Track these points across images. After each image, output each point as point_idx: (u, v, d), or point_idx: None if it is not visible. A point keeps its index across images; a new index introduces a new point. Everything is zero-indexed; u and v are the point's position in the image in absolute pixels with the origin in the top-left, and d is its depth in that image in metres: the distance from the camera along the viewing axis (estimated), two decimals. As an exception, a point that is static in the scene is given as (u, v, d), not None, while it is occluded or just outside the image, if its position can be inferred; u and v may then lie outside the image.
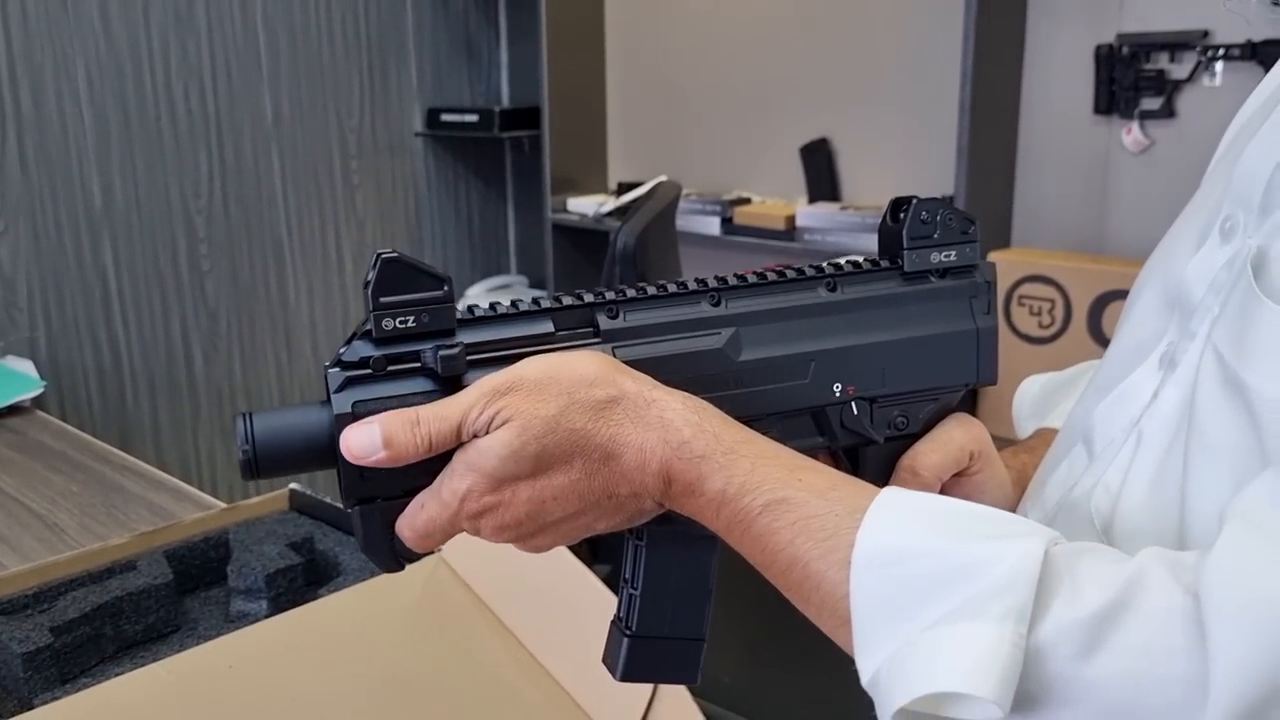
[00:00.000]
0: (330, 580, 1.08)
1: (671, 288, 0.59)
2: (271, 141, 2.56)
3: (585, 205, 2.70)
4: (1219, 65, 1.95)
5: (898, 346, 0.62)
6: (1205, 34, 1.96)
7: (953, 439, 0.63)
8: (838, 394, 0.61)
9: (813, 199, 2.42)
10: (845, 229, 2.24)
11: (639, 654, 0.60)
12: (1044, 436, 0.73)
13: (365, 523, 0.55)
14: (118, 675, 0.87)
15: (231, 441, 2.68)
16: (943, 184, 2.16)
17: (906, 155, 2.30)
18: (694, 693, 0.84)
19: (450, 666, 0.97)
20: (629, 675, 0.60)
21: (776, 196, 2.51)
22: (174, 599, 1.04)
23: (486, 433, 0.51)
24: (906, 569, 0.44)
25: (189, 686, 0.87)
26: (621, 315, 0.57)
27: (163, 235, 2.39)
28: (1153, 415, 0.55)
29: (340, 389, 0.53)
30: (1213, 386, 0.51)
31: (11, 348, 2.16)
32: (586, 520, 0.53)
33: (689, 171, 2.68)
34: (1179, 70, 2.01)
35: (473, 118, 2.77)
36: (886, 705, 0.43)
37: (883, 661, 0.43)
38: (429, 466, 0.53)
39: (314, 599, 1.00)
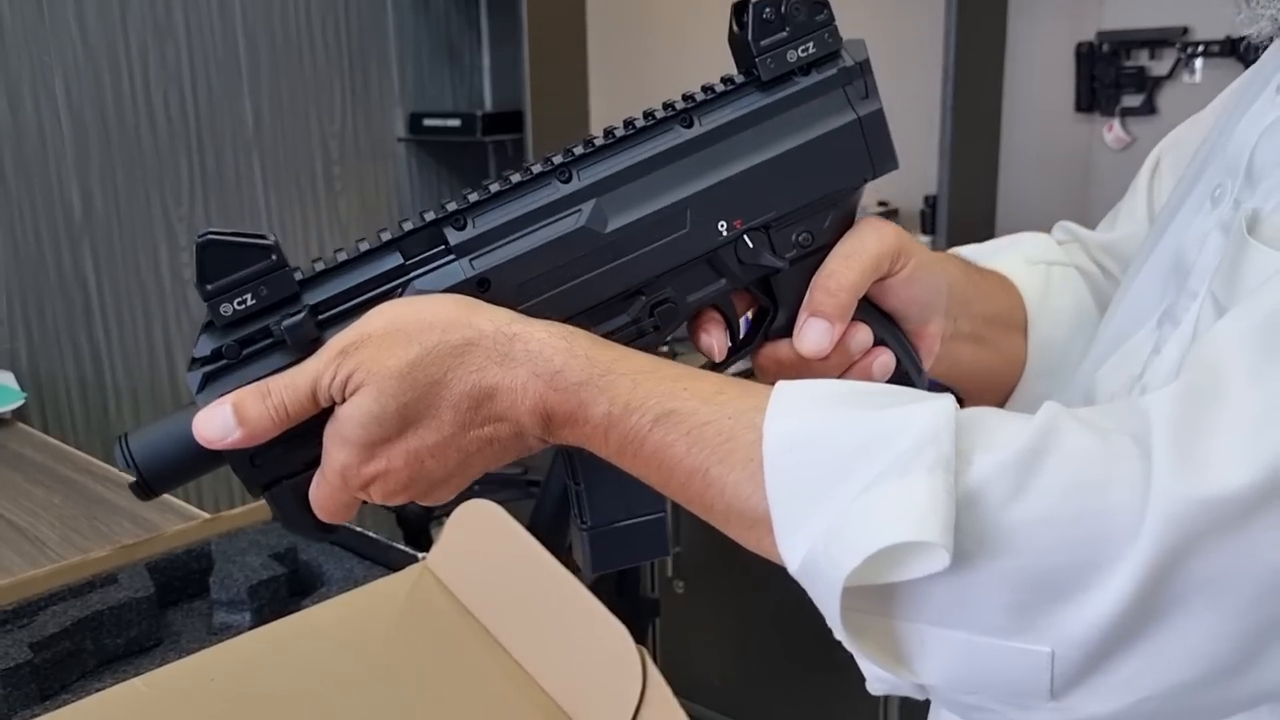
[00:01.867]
0: (314, 590, 1.07)
1: (516, 177, 0.55)
2: (253, 148, 2.55)
3: (569, 208, 2.70)
4: (1199, 62, 1.96)
5: (776, 163, 0.57)
6: (1185, 30, 1.97)
7: (864, 248, 0.58)
8: (725, 232, 0.57)
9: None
10: (829, 229, 2.24)
11: (601, 545, 0.58)
12: (987, 270, 0.72)
13: (278, 505, 0.54)
14: (98, 690, 0.86)
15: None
16: (926, 182, 2.16)
17: (890, 155, 2.30)
18: (683, 696, 0.84)
19: (436, 675, 0.96)
20: (599, 567, 0.58)
21: (760, 197, 2.52)
22: (156, 612, 1.02)
23: (344, 399, 0.49)
24: (820, 448, 0.43)
25: (170, 700, 0.86)
26: (470, 223, 0.54)
27: (144, 243, 2.38)
28: (1156, 370, 0.56)
29: (202, 388, 0.51)
30: None
31: (-9, 359, 2.15)
32: (474, 467, 0.52)
33: (673, 173, 2.69)
34: (1159, 67, 2.02)
35: (455, 122, 2.76)
36: (830, 580, 0.42)
37: (816, 540, 0.42)
38: (311, 436, 0.51)
39: (297, 610, 1.00)
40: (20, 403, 1.92)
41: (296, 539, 1.12)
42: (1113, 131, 2.06)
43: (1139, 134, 2.05)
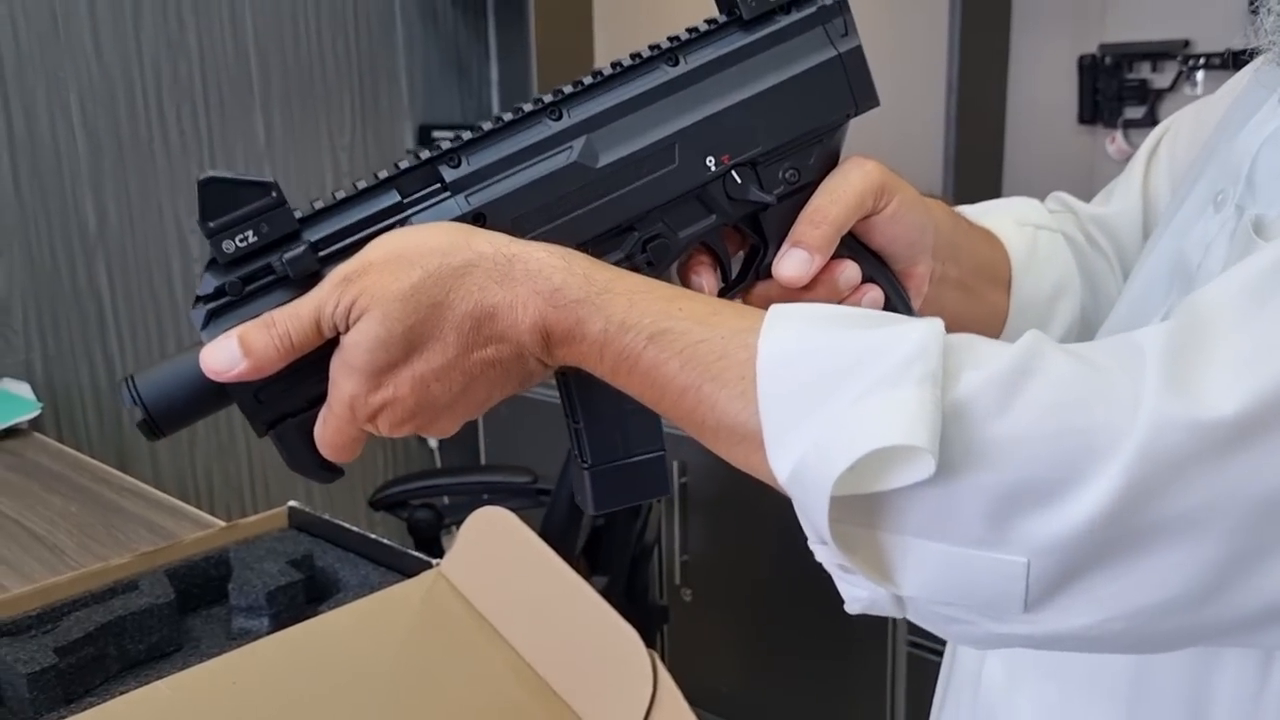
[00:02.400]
0: (330, 596, 1.09)
1: (508, 116, 0.56)
2: (264, 160, 2.58)
3: (577, 220, 2.72)
4: (1200, 74, 1.98)
5: (760, 99, 0.58)
6: (1186, 44, 1.99)
7: (848, 184, 0.60)
8: (713, 167, 0.58)
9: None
10: (835, 240, 2.26)
11: (602, 483, 0.59)
12: (975, 225, 0.73)
13: (283, 444, 0.54)
14: (122, 694, 0.88)
15: (229, 460, 2.69)
16: (931, 191, 2.18)
17: (896, 163, 2.32)
18: (691, 703, 0.86)
19: (451, 678, 0.98)
20: (600, 505, 0.59)
21: (766, 209, 2.54)
22: (176, 618, 1.05)
23: (348, 326, 0.50)
24: (812, 363, 0.45)
25: (193, 703, 0.88)
26: (464, 161, 0.55)
27: (156, 256, 2.41)
28: None
29: (206, 324, 0.52)
30: None
31: (7, 370, 2.17)
32: (480, 393, 0.52)
33: (679, 185, 2.71)
34: (1161, 80, 2.04)
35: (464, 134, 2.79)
36: (819, 486, 0.43)
37: (806, 448, 0.43)
38: (315, 372, 0.52)
39: (314, 615, 1.02)
40: (36, 413, 1.95)
41: (312, 546, 1.14)
42: (1115, 143, 2.08)
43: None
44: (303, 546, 1.14)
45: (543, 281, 0.50)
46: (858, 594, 0.47)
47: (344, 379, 0.51)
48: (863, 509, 0.44)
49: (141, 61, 2.33)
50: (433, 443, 2.97)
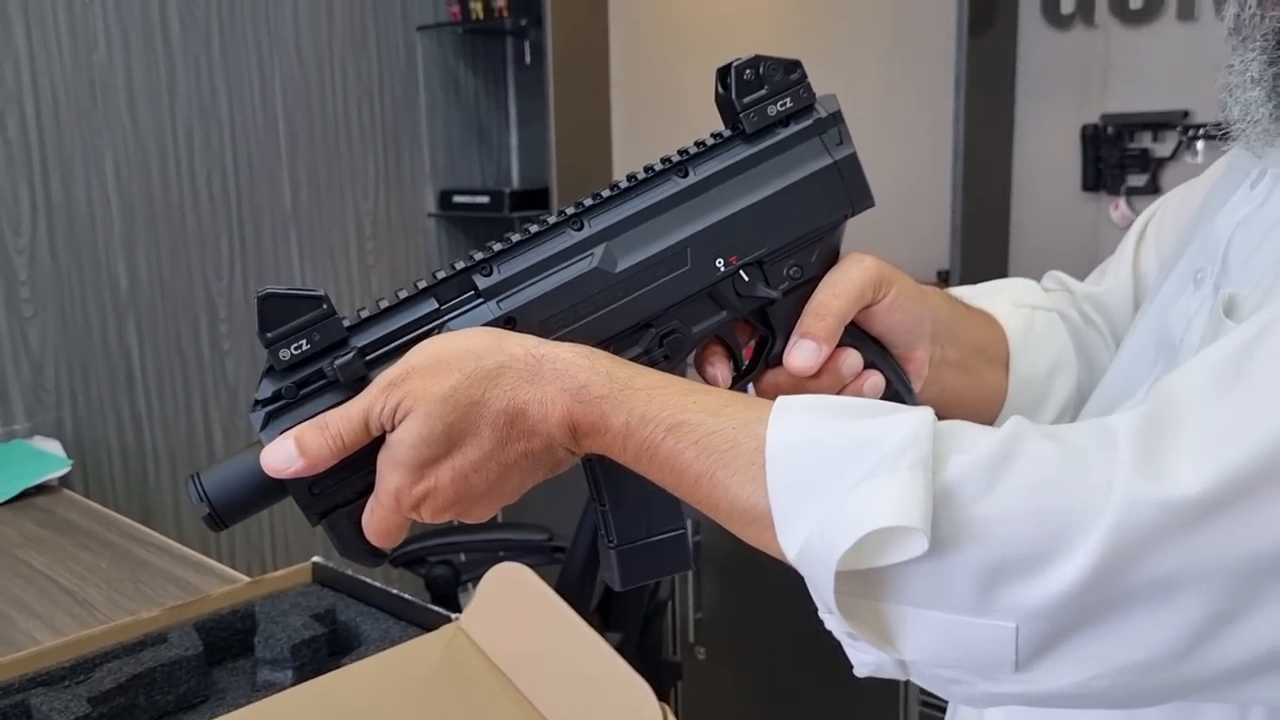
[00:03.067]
0: (352, 649, 1.13)
1: (534, 229, 0.61)
2: (290, 224, 2.65)
3: (593, 282, 2.78)
4: (1200, 144, 2.03)
5: (764, 205, 0.63)
6: (1186, 114, 2.05)
7: (849, 278, 0.64)
8: (722, 268, 0.63)
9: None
10: (846, 303, 2.30)
11: (628, 561, 0.63)
12: (973, 308, 0.78)
13: (335, 532, 0.59)
14: (153, 742, 0.92)
15: (251, 519, 2.73)
16: (939, 257, 2.23)
17: (905, 230, 2.37)
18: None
19: (468, 732, 1.01)
20: (627, 582, 0.63)
21: (779, 272, 2.59)
22: (204, 669, 1.08)
23: (394, 426, 0.55)
24: (816, 452, 0.49)
25: (221, 752, 0.91)
26: (495, 270, 0.60)
27: (185, 316, 2.47)
28: None
29: (264, 426, 0.57)
30: None
31: (39, 428, 2.23)
32: (514, 482, 0.57)
33: (693, 248, 2.77)
34: (1162, 149, 2.09)
35: (484, 199, 2.87)
36: (825, 563, 0.48)
37: (812, 530, 0.48)
38: (364, 466, 0.56)
39: (337, 667, 1.05)
40: (66, 470, 2.00)
41: (335, 601, 1.18)
42: (1119, 210, 2.13)
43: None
44: (326, 601, 1.17)
45: (569, 380, 0.54)
46: (864, 659, 0.51)
47: (390, 473, 0.56)
48: (865, 582, 0.48)
49: (175, 129, 2.42)
50: (450, 500, 3.01)
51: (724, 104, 0.65)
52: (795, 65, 0.65)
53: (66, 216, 2.26)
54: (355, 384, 0.57)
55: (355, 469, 0.57)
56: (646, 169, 0.63)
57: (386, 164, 2.84)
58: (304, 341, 0.56)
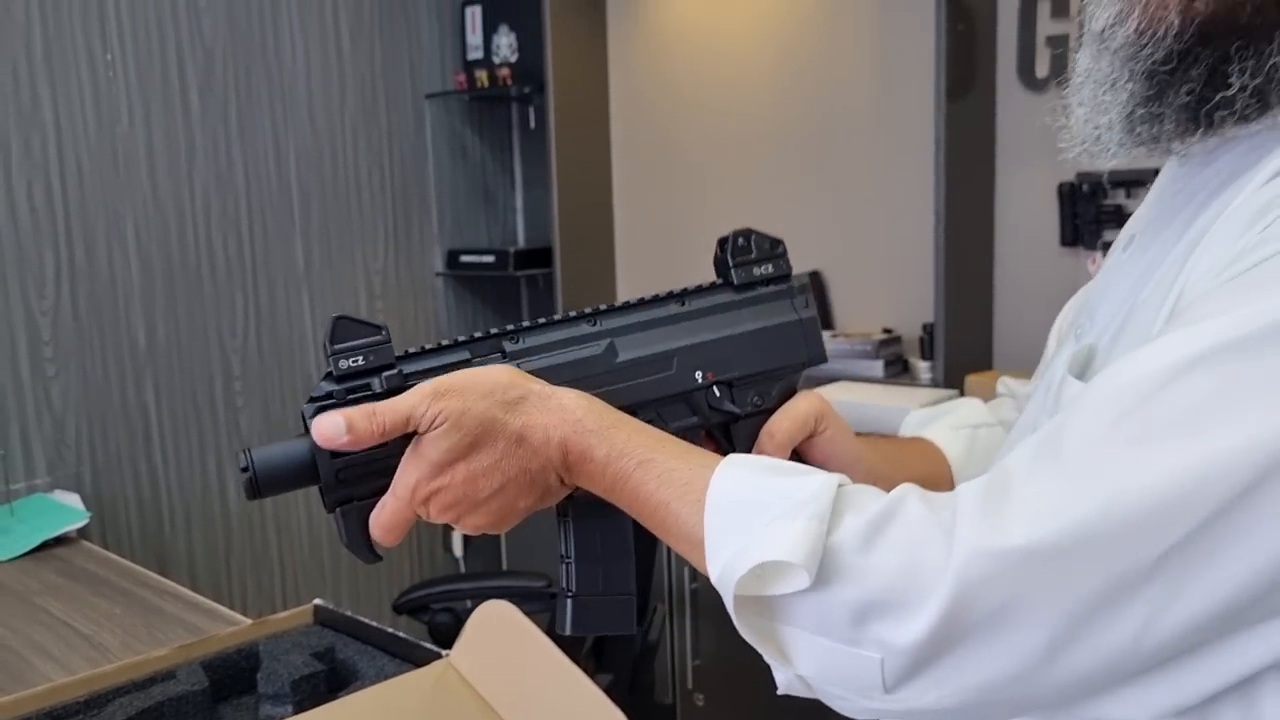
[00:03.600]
0: (350, 685, 1.19)
1: (558, 316, 0.75)
2: (303, 285, 2.76)
3: (595, 337, 2.86)
4: (1170, 200, 2.11)
5: (740, 338, 0.78)
6: (1157, 172, 2.13)
7: (799, 409, 0.79)
8: (700, 380, 0.77)
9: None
10: (838, 355, 2.37)
11: (580, 611, 0.73)
12: (914, 439, 0.90)
13: (345, 522, 0.68)
14: (160, 770, 0.98)
15: (262, 568, 2.80)
16: (924, 311, 2.31)
17: (892, 286, 2.46)
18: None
19: (456, 762, 1.07)
20: (576, 629, 0.73)
21: (773, 326, 2.67)
22: (210, 705, 1.15)
23: (429, 429, 0.66)
24: (744, 496, 0.61)
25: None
26: (521, 339, 0.73)
27: (201, 374, 2.57)
28: None
29: (313, 416, 0.67)
30: None
31: (60, 482, 2.31)
32: (510, 495, 0.67)
33: (692, 304, 2.86)
34: (1134, 204, 2.17)
35: (490, 258, 2.97)
36: (730, 583, 0.59)
37: (729, 557, 0.59)
38: (385, 472, 0.67)
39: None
40: (85, 522, 2.08)
41: (334, 640, 1.25)
42: (1095, 264, 2.21)
43: (1123, 265, 2.19)
44: (326, 640, 1.24)
45: (569, 414, 0.67)
46: (780, 677, 0.62)
47: (413, 466, 0.66)
48: (769, 606, 0.59)
49: (193, 194, 2.54)
50: (458, 550, 3.07)
51: (719, 263, 0.81)
52: (778, 242, 0.81)
53: (89, 279, 2.37)
54: (393, 394, 0.68)
55: (379, 471, 0.67)
56: (654, 295, 0.78)
57: (396, 226, 2.95)
58: (360, 358, 0.68)
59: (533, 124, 3.10)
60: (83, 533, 2.08)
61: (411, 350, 0.71)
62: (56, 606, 1.69)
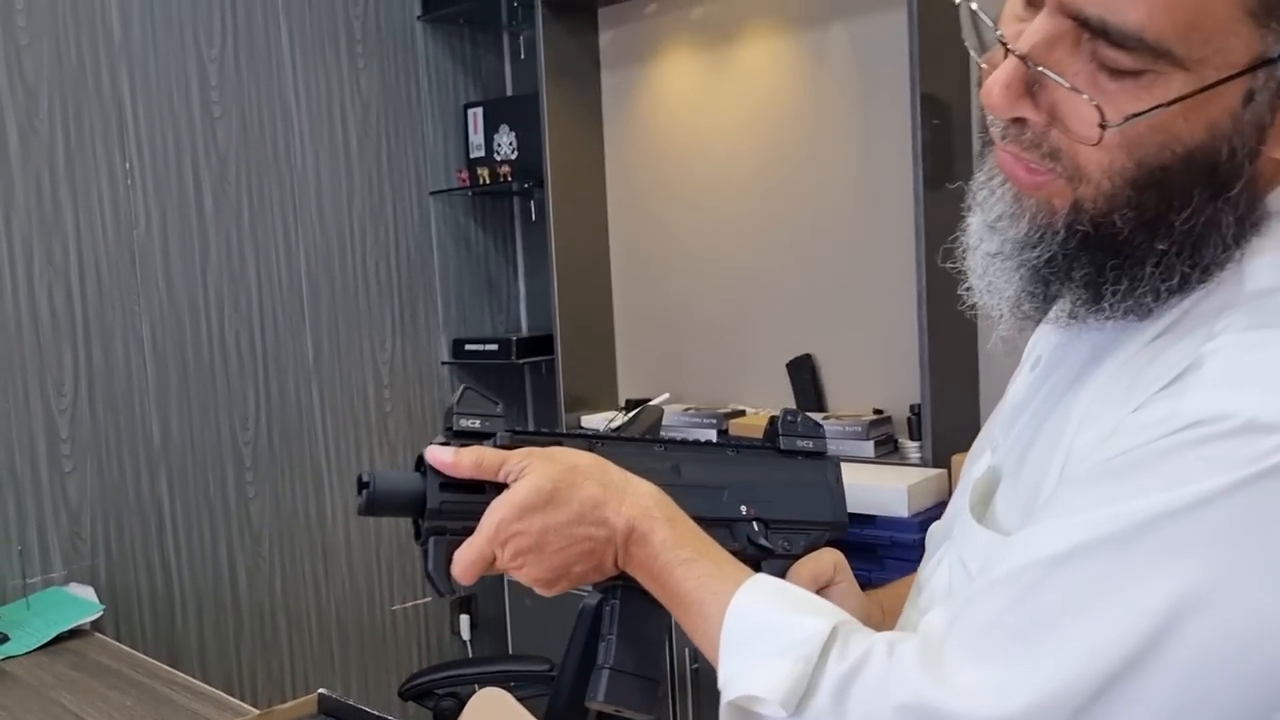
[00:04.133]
0: (349, 773, 1.25)
1: (636, 437, 0.88)
2: (312, 377, 2.85)
3: (597, 421, 2.93)
4: (1142, 282, 2.18)
5: (781, 489, 0.91)
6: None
7: (823, 559, 0.90)
8: (744, 512, 0.89)
9: (800, 409, 2.63)
10: (831, 437, 2.43)
11: (613, 682, 0.81)
12: (912, 578, 0.96)
13: (435, 549, 0.79)
14: None
15: (273, 656, 2.85)
16: (912, 393, 2.38)
17: (880, 368, 2.53)
18: None
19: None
20: (608, 699, 0.81)
21: (767, 408, 2.73)
22: (216, 794, 1.20)
23: (517, 479, 0.76)
24: (756, 622, 0.70)
25: None
26: (606, 445, 0.85)
27: (213, 466, 2.65)
28: (929, 579, 0.79)
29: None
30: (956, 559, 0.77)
31: (75, 575, 2.38)
32: (570, 557, 0.76)
33: (688, 387, 2.93)
34: (1111, 286, 2.24)
35: (493, 346, 3.06)
36: (726, 694, 0.68)
37: (731, 673, 0.68)
38: (476, 515, 0.77)
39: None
40: (98, 615, 2.14)
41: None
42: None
43: (1103, 344, 2.26)
44: (327, 728, 1.30)
45: (641, 499, 0.78)
46: None
47: (501, 507, 0.75)
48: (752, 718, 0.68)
49: (207, 294, 2.64)
50: (465, 634, 3.11)
51: (769, 434, 0.94)
52: (820, 425, 0.95)
53: (106, 377, 2.46)
54: None
55: (473, 513, 0.77)
56: (710, 441, 0.92)
57: (402, 317, 3.04)
58: (477, 422, 0.81)
59: (533, 216, 3.21)
60: (97, 625, 2.14)
61: (518, 429, 0.83)
62: (70, 699, 1.75)
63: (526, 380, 3.33)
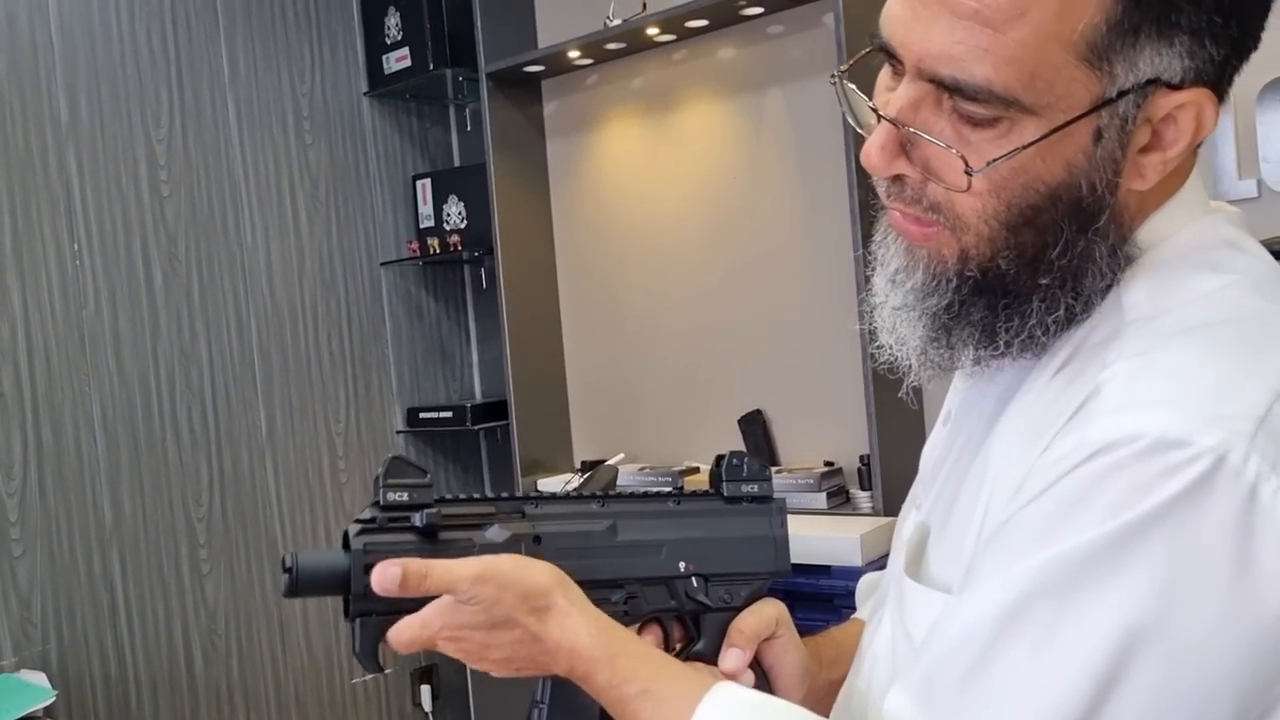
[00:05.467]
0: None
1: (574, 494, 0.88)
2: (266, 451, 2.84)
3: (553, 484, 2.95)
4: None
5: (721, 542, 0.91)
6: (1063, 301, 2.28)
7: (765, 612, 0.90)
8: (682, 569, 0.89)
9: (754, 464, 2.67)
10: (783, 490, 2.46)
11: None
12: (855, 623, 0.99)
13: (363, 631, 0.78)
14: None
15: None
16: (861, 444, 2.43)
17: (829, 421, 2.58)
18: None
19: None
20: None
21: (722, 464, 2.77)
22: None
23: (467, 602, 0.75)
24: None
25: None
26: (539, 506, 0.85)
27: (166, 544, 2.62)
28: (871, 638, 0.80)
29: (356, 534, 0.78)
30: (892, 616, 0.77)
31: (26, 662, 2.34)
32: (513, 665, 0.78)
33: (643, 447, 2.96)
34: (1046, 332, 2.32)
35: (448, 414, 3.07)
36: None
37: None
38: (418, 603, 0.76)
39: None
40: (50, 701, 2.10)
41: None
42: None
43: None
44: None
45: (580, 640, 0.77)
46: None
47: (446, 614, 0.76)
48: None
49: (158, 371, 2.64)
50: (426, 706, 3.08)
51: (715, 475, 0.94)
52: (766, 466, 0.94)
53: (55, 459, 2.44)
54: (428, 531, 0.80)
55: (413, 601, 0.77)
56: (656, 491, 0.92)
57: (356, 388, 3.05)
58: (405, 494, 0.80)
59: (484, 284, 3.25)
60: (49, 711, 2.10)
61: (448, 496, 0.83)
62: (23, 788, 1.71)
63: (482, 446, 3.34)
